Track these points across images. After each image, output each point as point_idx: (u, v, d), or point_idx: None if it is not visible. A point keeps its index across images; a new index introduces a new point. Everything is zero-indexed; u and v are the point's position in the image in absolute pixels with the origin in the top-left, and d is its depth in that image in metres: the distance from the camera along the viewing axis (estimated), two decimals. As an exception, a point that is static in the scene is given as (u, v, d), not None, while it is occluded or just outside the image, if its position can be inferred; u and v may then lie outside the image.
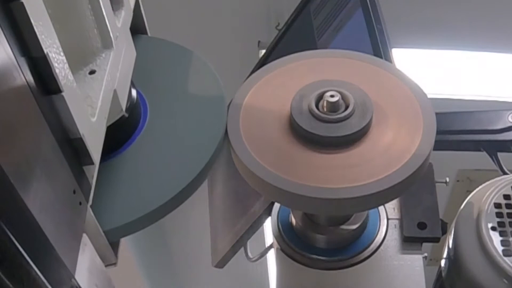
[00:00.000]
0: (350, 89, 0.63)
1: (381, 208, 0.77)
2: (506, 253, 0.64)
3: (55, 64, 0.42)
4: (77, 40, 0.54)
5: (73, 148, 0.47)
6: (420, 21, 1.67)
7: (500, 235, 0.65)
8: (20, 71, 0.39)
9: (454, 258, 0.68)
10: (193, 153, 0.63)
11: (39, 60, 0.41)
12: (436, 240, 0.73)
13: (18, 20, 0.39)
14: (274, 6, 1.66)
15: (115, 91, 0.56)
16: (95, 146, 0.50)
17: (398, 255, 0.74)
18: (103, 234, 0.56)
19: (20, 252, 0.36)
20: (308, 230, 0.74)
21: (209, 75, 0.70)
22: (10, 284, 0.35)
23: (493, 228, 0.66)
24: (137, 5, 0.70)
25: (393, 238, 0.75)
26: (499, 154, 0.80)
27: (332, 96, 0.62)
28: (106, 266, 0.56)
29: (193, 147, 0.63)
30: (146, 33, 0.75)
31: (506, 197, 0.69)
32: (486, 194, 0.69)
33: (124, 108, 0.59)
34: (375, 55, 0.75)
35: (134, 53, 0.65)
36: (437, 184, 0.77)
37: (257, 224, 0.80)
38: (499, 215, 0.67)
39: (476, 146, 0.82)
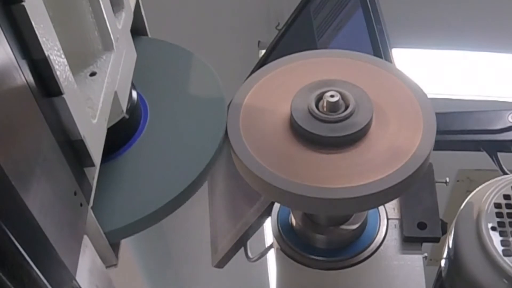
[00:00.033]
0: (350, 89, 0.63)
1: (381, 208, 0.77)
2: (506, 253, 0.64)
3: (56, 66, 0.42)
4: (78, 42, 0.54)
5: (74, 150, 0.48)
6: (420, 21, 1.67)
7: (500, 235, 0.65)
8: (21, 73, 0.39)
9: (454, 258, 0.68)
10: (194, 155, 0.63)
11: (40, 63, 0.41)
12: (436, 240, 0.73)
13: (19, 22, 0.39)
14: (274, 6, 1.66)
15: (115, 92, 0.56)
16: (96, 147, 0.50)
17: (398, 255, 0.74)
18: (103, 235, 0.56)
19: (21, 253, 0.36)
20: (308, 230, 0.74)
21: (209, 76, 0.70)
22: (11, 285, 0.35)
23: (493, 228, 0.66)
24: (137, 6, 0.70)
25: (393, 238, 0.75)
26: (499, 154, 0.80)
27: (332, 96, 0.62)
28: (106, 267, 0.56)
29: (194, 148, 0.63)
30: (146, 34, 0.76)
31: (506, 197, 0.69)
32: (486, 194, 0.69)
33: (124, 110, 0.59)
34: (375, 55, 0.75)
35: (134, 55, 0.65)
36: (437, 184, 0.77)
37: (257, 224, 0.80)
38: (499, 215, 0.67)
39: (476, 146, 0.82)
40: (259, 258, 0.86)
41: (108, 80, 0.54)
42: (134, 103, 0.64)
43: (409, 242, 0.74)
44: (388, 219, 0.76)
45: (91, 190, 0.51)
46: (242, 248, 0.85)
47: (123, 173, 0.62)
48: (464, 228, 0.68)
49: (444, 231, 0.74)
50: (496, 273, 0.63)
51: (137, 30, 0.73)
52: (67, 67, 0.45)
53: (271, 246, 0.80)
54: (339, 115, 0.62)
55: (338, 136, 0.61)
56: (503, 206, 0.68)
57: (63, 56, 0.44)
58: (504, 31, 1.69)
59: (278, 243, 0.76)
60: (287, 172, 0.60)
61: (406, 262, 0.73)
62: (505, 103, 1.77)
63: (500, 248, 0.64)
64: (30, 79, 0.40)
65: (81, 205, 0.49)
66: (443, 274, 0.72)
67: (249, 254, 0.86)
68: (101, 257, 0.54)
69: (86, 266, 0.49)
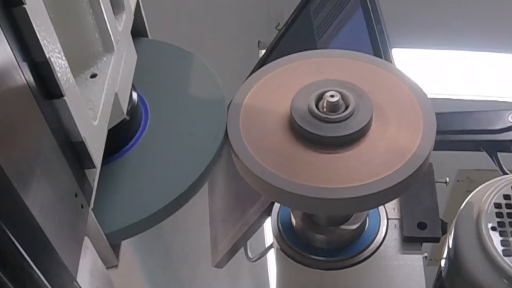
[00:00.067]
0: (350, 89, 0.63)
1: (381, 208, 0.77)
2: (506, 253, 0.64)
3: (57, 69, 0.43)
4: (78, 44, 0.54)
5: (74, 152, 0.48)
6: (420, 21, 1.67)
7: (500, 235, 0.65)
8: (21, 74, 0.39)
9: (454, 258, 0.68)
10: (194, 156, 0.63)
11: (41, 65, 0.41)
12: (436, 240, 0.73)
13: (20, 25, 0.39)
14: (274, 6, 1.66)
15: (116, 94, 0.56)
16: (96, 149, 0.50)
17: (398, 255, 0.74)
18: (104, 236, 0.56)
19: (22, 254, 0.36)
20: (308, 230, 0.74)
21: (209, 77, 0.70)
22: (12, 287, 0.35)
23: (493, 228, 0.66)
24: (137, 8, 0.70)
25: (393, 238, 0.75)
26: (499, 154, 0.80)
27: (332, 96, 0.62)
28: (107, 268, 0.56)
29: (194, 149, 0.63)
30: (147, 35, 0.76)
31: (506, 197, 0.69)
32: (486, 194, 0.69)
33: (125, 111, 0.59)
34: (375, 55, 0.75)
35: (135, 56, 0.65)
36: (437, 184, 0.77)
37: (257, 224, 0.80)
38: (499, 215, 0.67)
39: (476, 146, 0.82)
40: (259, 258, 0.87)
41: (109, 81, 0.54)
42: (134, 105, 0.64)
43: (409, 242, 0.74)
44: (388, 219, 0.76)
45: (91, 192, 0.51)
46: (242, 248, 0.85)
47: (124, 175, 0.62)
48: (464, 228, 0.68)
49: (444, 231, 0.74)
50: (496, 273, 0.63)
51: (138, 31, 0.73)
52: (68, 69, 0.45)
53: (271, 246, 0.80)
54: (339, 115, 0.62)
55: (338, 136, 0.61)
56: (503, 206, 0.68)
57: (64, 58, 0.45)
58: (504, 31, 1.69)
59: (278, 243, 0.76)
60: (287, 172, 0.60)
61: (406, 262, 0.73)
62: (505, 103, 1.77)
63: (500, 248, 0.64)
64: (31, 79, 0.40)
65: (82, 206, 0.49)
66: (443, 274, 0.72)
67: (249, 254, 0.86)
68: (101, 258, 0.54)
69: (87, 267, 0.49)
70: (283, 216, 0.78)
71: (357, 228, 0.74)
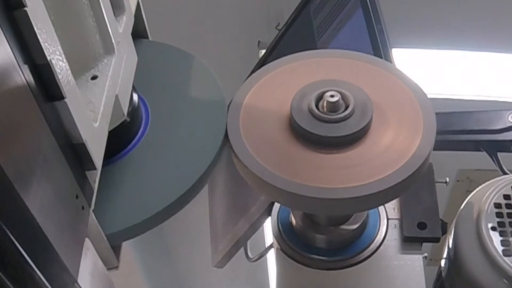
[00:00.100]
0: (350, 89, 0.63)
1: (381, 208, 0.77)
2: (506, 253, 0.64)
3: (58, 71, 0.43)
4: (79, 46, 0.55)
5: (75, 153, 0.48)
6: (420, 21, 1.67)
7: (500, 235, 0.65)
8: (23, 77, 0.39)
9: (454, 258, 0.68)
10: (194, 157, 0.63)
11: (42, 67, 0.41)
12: (436, 240, 0.73)
13: (21, 27, 0.39)
14: (274, 6, 1.66)
15: (117, 96, 0.56)
16: (97, 151, 0.50)
17: (398, 255, 0.74)
18: (105, 238, 0.56)
19: (23, 255, 0.36)
20: (308, 230, 0.74)
21: (209, 79, 0.70)
22: None
23: (493, 228, 0.66)
24: (138, 9, 0.70)
25: (393, 238, 0.75)
26: (499, 154, 0.80)
27: (332, 96, 0.62)
28: (108, 269, 0.56)
29: (194, 151, 0.64)
30: (147, 37, 0.76)
31: (506, 197, 0.69)
32: (486, 194, 0.69)
33: (126, 113, 0.59)
34: (375, 55, 0.75)
35: (135, 58, 0.65)
36: (437, 184, 0.77)
37: (257, 224, 0.80)
38: (499, 215, 0.67)
39: (476, 146, 0.82)
40: (259, 258, 0.87)
41: (110, 83, 0.54)
42: (135, 106, 0.64)
43: (409, 242, 0.74)
44: (388, 219, 0.76)
45: (92, 193, 0.51)
46: (242, 248, 0.85)
47: (125, 176, 0.62)
48: (464, 228, 0.68)
49: (444, 231, 0.74)
50: (496, 273, 0.63)
51: (138, 33, 0.73)
52: (69, 71, 0.45)
53: (271, 246, 0.80)
54: (339, 115, 0.62)
55: (338, 136, 0.61)
56: (503, 206, 0.68)
57: (64, 60, 0.45)
58: (504, 31, 1.69)
59: (278, 243, 0.76)
60: (287, 172, 0.60)
61: (406, 262, 0.73)
62: (505, 103, 1.77)
63: (500, 248, 0.64)
64: (31, 81, 0.41)
65: (82, 208, 0.49)
66: (443, 274, 0.72)
67: (249, 254, 0.86)
68: (102, 260, 0.54)
69: (88, 268, 0.49)
70: (283, 216, 0.78)
71: (357, 228, 0.74)
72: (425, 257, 0.74)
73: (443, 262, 0.73)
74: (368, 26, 0.81)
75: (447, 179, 0.80)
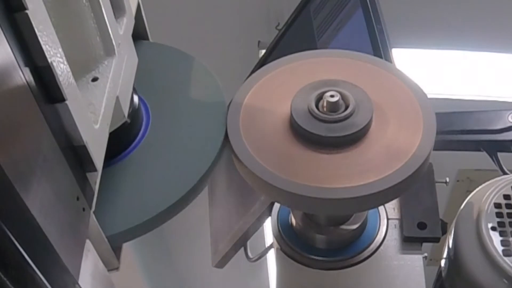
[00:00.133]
0: (350, 89, 0.63)
1: (381, 208, 0.77)
2: (506, 253, 0.64)
3: (59, 73, 0.43)
4: (80, 48, 0.55)
5: (76, 155, 0.48)
6: (420, 21, 1.67)
7: (500, 235, 0.65)
8: (24, 79, 0.39)
9: (454, 258, 0.68)
10: (195, 158, 0.63)
11: (44, 69, 0.41)
12: (436, 240, 0.73)
13: (22, 30, 0.39)
14: (274, 6, 1.66)
15: (117, 97, 0.56)
16: (98, 153, 0.51)
17: (398, 255, 0.74)
18: (106, 239, 0.56)
19: (25, 258, 0.36)
20: (308, 230, 0.74)
21: (210, 80, 0.70)
22: None
23: (493, 228, 0.66)
24: (138, 11, 0.70)
25: (393, 238, 0.75)
26: (499, 154, 0.80)
27: (332, 96, 0.62)
28: (108, 271, 0.56)
29: (195, 152, 0.64)
30: (147, 38, 0.76)
31: (506, 197, 0.69)
32: (486, 194, 0.69)
33: (126, 115, 0.59)
34: (375, 55, 0.75)
35: (136, 60, 0.65)
36: (437, 184, 0.77)
37: (257, 224, 0.80)
38: (499, 215, 0.67)
39: (476, 146, 0.82)
40: (259, 258, 0.86)
41: (110, 85, 0.54)
42: (135, 107, 0.64)
43: (409, 242, 0.74)
44: (388, 219, 0.76)
45: (93, 195, 0.51)
46: (242, 248, 0.85)
47: (125, 177, 0.62)
48: (464, 228, 0.68)
49: (444, 231, 0.74)
50: (496, 273, 0.63)
51: (138, 34, 0.73)
52: (70, 73, 0.45)
53: (271, 246, 0.80)
54: (339, 115, 0.62)
55: (338, 136, 0.61)
56: (503, 206, 0.68)
57: (65, 62, 0.45)
58: (504, 31, 1.69)
59: (278, 243, 0.76)
60: (287, 172, 0.60)
61: (406, 262, 0.73)
62: (505, 103, 1.77)
63: (500, 248, 0.64)
64: (32, 81, 0.41)
65: (83, 209, 0.49)
66: (443, 274, 0.72)
67: (249, 254, 0.86)
68: (103, 261, 0.54)
69: (89, 270, 0.49)
70: (283, 216, 0.78)
71: (357, 228, 0.73)
72: (425, 257, 0.74)
73: (443, 262, 0.73)
74: (368, 26, 0.81)
75: (447, 179, 0.80)
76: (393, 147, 0.60)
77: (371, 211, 0.75)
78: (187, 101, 0.69)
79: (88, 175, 0.50)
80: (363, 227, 0.75)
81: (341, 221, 0.73)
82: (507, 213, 0.67)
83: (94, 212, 0.52)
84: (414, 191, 0.75)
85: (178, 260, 2.41)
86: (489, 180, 0.72)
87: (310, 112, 0.62)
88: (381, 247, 0.74)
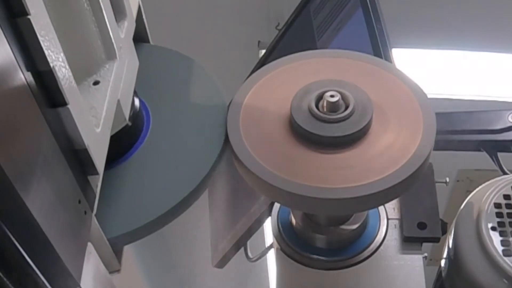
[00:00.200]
0: (350, 89, 0.63)
1: (381, 208, 0.77)
2: (506, 253, 0.64)
3: (61, 77, 0.43)
4: (81, 52, 0.55)
5: (77, 159, 0.48)
6: (420, 21, 1.67)
7: (500, 235, 0.65)
8: (26, 83, 0.39)
9: (454, 258, 0.68)
10: (195, 161, 0.63)
11: (45, 74, 0.42)
12: (436, 240, 0.73)
13: (24, 35, 0.39)
14: (274, 6, 1.66)
15: (118, 101, 0.56)
16: (99, 156, 0.51)
17: (398, 255, 0.74)
18: (107, 242, 0.56)
19: (27, 261, 0.36)
20: (308, 230, 0.74)
21: (209, 83, 0.70)
22: None
23: (493, 228, 0.66)
24: (139, 13, 0.70)
25: (393, 238, 0.75)
26: (499, 154, 0.80)
27: (332, 96, 0.62)
28: (110, 273, 0.56)
29: (195, 155, 0.64)
30: (148, 41, 0.76)
31: (506, 197, 0.69)
32: (486, 194, 0.69)
33: (127, 118, 0.59)
34: (375, 55, 0.75)
35: (137, 63, 0.65)
36: (437, 184, 0.77)
37: (257, 224, 0.80)
38: (499, 215, 0.67)
39: (476, 146, 0.82)
40: (259, 258, 0.86)
41: (111, 88, 0.54)
42: (136, 110, 0.64)
43: (409, 242, 0.74)
44: (388, 219, 0.76)
45: (94, 198, 0.51)
46: (242, 248, 0.85)
47: (126, 180, 0.62)
48: (464, 228, 0.68)
49: (444, 231, 0.74)
50: (496, 273, 0.63)
51: (139, 37, 0.73)
52: (72, 78, 0.45)
53: (271, 246, 0.80)
54: (339, 115, 0.62)
55: (338, 136, 0.61)
56: (503, 206, 0.68)
57: (67, 66, 0.45)
58: (504, 31, 1.69)
59: (278, 243, 0.76)
60: (287, 172, 0.60)
61: (406, 262, 0.73)
62: (505, 103, 1.78)
63: (500, 248, 0.64)
64: (33, 83, 0.41)
65: (85, 213, 0.49)
66: (443, 274, 0.72)
67: (249, 254, 0.86)
68: (104, 263, 0.54)
69: (90, 272, 0.49)
70: (283, 216, 0.78)
71: (357, 228, 0.73)
72: (425, 257, 0.74)
73: (443, 262, 0.73)
74: (368, 26, 0.81)
75: (447, 179, 0.80)
76: (393, 147, 0.60)
77: (371, 211, 0.75)
78: (187, 104, 0.69)
79: (90, 178, 0.50)
80: (363, 227, 0.75)
81: (341, 221, 0.73)
82: (507, 213, 0.67)
83: (95, 215, 0.52)
84: (414, 191, 0.75)
85: (179, 261, 2.41)
86: (489, 180, 0.72)
87: (310, 112, 0.62)
88: (381, 247, 0.74)
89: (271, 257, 0.80)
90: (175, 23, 1.62)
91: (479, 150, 0.82)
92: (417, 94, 0.65)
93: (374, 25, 0.80)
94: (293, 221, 0.76)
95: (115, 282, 0.56)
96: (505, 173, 0.78)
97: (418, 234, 0.74)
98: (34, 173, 0.39)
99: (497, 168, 0.79)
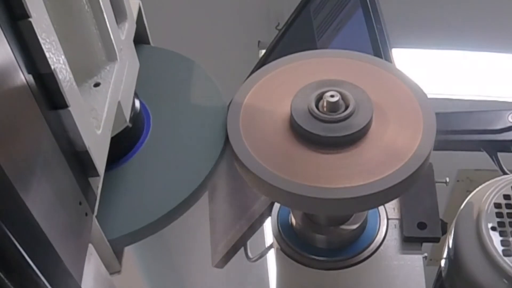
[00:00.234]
0: (350, 89, 0.63)
1: (381, 208, 0.77)
2: (506, 253, 0.64)
3: (62, 79, 0.43)
4: (82, 54, 0.55)
5: (78, 160, 0.48)
6: (420, 21, 1.67)
7: (500, 235, 0.65)
8: (26, 85, 0.39)
9: (454, 258, 0.68)
10: (196, 162, 0.63)
11: (46, 76, 0.42)
12: (436, 240, 0.73)
13: (26, 37, 0.39)
14: (274, 6, 1.66)
15: (119, 102, 0.56)
16: (100, 158, 0.51)
17: (398, 255, 0.74)
18: (108, 243, 0.56)
19: (28, 263, 0.36)
20: (308, 230, 0.74)
21: (209, 85, 0.71)
22: None
23: (493, 228, 0.66)
24: (139, 15, 0.70)
25: (393, 238, 0.75)
26: (499, 154, 0.80)
27: (332, 96, 0.62)
28: (110, 274, 0.56)
29: (195, 156, 0.64)
30: (148, 42, 0.76)
31: (506, 197, 0.69)
32: (486, 194, 0.69)
33: (128, 119, 0.59)
34: (375, 55, 0.75)
35: (137, 65, 0.65)
36: (437, 184, 0.77)
37: (257, 224, 0.80)
38: (499, 215, 0.67)
39: (476, 146, 0.82)
40: (259, 258, 0.86)
41: (112, 90, 0.54)
42: (136, 112, 0.64)
43: (409, 242, 0.74)
44: (388, 219, 0.76)
45: (95, 200, 0.51)
46: (242, 248, 0.85)
47: (126, 181, 0.62)
48: (464, 228, 0.68)
49: (444, 231, 0.74)
50: (496, 273, 0.63)
51: (139, 39, 0.73)
52: (72, 80, 0.45)
53: (271, 246, 0.80)
54: (339, 115, 0.62)
55: (338, 136, 0.61)
56: (503, 206, 0.68)
57: (68, 69, 0.45)
58: (504, 31, 1.69)
59: (278, 243, 0.76)
60: (287, 172, 0.60)
61: (406, 262, 0.73)
62: (505, 103, 1.78)
63: (500, 248, 0.64)
64: (34, 85, 0.41)
65: (86, 214, 0.49)
66: (443, 274, 0.72)
67: (249, 254, 0.86)
68: (105, 265, 0.54)
69: (91, 274, 0.49)
70: (283, 216, 0.78)
71: (357, 228, 0.73)
72: (425, 257, 0.74)
73: (443, 262, 0.73)
74: (368, 26, 0.81)
75: (447, 179, 0.80)
76: (393, 147, 0.60)
77: (371, 211, 0.75)
78: (188, 105, 0.69)
79: (91, 180, 0.50)
80: (363, 227, 0.75)
81: (341, 221, 0.73)
82: (507, 213, 0.67)
83: (96, 216, 0.52)
84: (414, 191, 0.75)
85: (179, 262, 2.41)
86: (489, 180, 0.72)
87: (310, 112, 0.62)
88: (381, 247, 0.74)
89: (271, 257, 0.81)
90: (175, 24, 1.62)
91: (479, 150, 0.82)
92: (417, 94, 0.65)
93: (374, 25, 0.80)
94: (293, 221, 0.76)
95: (115, 283, 0.56)
96: (505, 173, 0.78)
97: (418, 234, 0.74)
98: (34, 174, 0.39)
99: (497, 168, 0.79)
